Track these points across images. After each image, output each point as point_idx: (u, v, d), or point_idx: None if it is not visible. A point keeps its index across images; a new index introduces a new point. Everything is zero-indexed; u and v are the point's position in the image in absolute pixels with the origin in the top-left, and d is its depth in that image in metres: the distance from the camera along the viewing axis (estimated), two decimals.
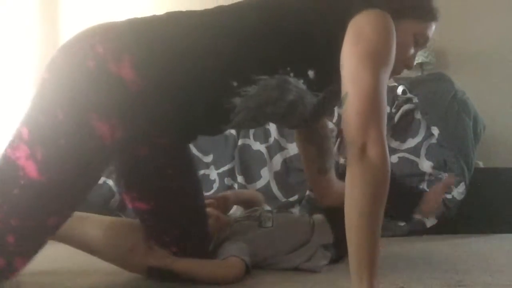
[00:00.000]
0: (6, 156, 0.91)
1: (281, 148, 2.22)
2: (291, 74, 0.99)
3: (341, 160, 2.12)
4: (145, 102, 0.94)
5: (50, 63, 0.96)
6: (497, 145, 2.90)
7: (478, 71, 3.11)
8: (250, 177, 2.21)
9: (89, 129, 0.90)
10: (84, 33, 0.98)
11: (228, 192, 1.61)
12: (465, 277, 1.11)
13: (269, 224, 1.32)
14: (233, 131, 2.24)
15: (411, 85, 2.29)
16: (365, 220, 0.81)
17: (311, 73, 1.00)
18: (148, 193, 1.14)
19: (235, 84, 0.97)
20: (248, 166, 2.22)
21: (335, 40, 0.95)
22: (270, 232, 1.30)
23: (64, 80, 0.92)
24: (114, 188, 2.16)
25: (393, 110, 2.20)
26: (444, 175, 2.11)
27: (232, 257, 1.14)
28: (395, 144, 2.18)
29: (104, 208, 2.04)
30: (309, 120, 1.15)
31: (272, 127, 2.26)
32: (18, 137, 0.91)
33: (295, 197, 2.13)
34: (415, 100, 2.21)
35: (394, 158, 2.17)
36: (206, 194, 2.15)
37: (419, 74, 3.02)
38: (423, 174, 2.14)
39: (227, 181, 2.22)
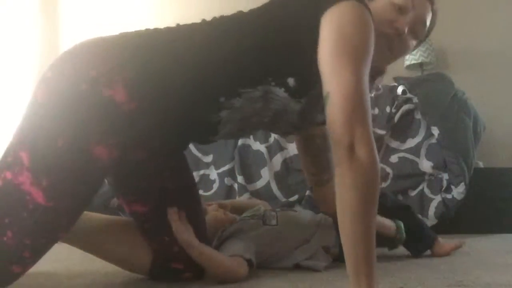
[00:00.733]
0: (7, 180, 0.92)
1: (281, 148, 2.22)
2: (272, 84, 0.99)
3: None
4: (138, 121, 0.96)
5: (43, 80, 0.97)
6: (497, 145, 2.90)
7: (478, 71, 3.11)
8: (250, 177, 2.20)
9: (89, 153, 0.92)
10: (76, 51, 0.98)
11: (226, 201, 1.59)
12: (465, 277, 1.11)
13: (274, 222, 1.33)
14: None
15: (411, 85, 2.29)
16: (358, 222, 0.80)
17: (291, 81, 0.99)
18: (144, 195, 1.14)
19: (222, 100, 0.99)
20: (248, 166, 2.22)
21: (311, 43, 0.94)
22: (274, 230, 1.31)
23: (59, 103, 0.93)
24: None
25: (393, 110, 2.20)
26: (444, 175, 2.12)
27: (239, 257, 1.15)
28: (395, 144, 2.18)
29: (104, 208, 2.04)
30: (299, 127, 1.16)
31: None
32: (18, 162, 0.92)
33: (295, 197, 2.13)
34: (415, 100, 2.20)
35: (394, 158, 2.17)
36: (206, 194, 2.17)
37: (419, 74, 3.02)
38: (423, 174, 2.15)
39: (227, 181, 2.22)
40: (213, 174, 2.25)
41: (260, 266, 1.24)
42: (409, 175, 2.15)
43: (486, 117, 2.37)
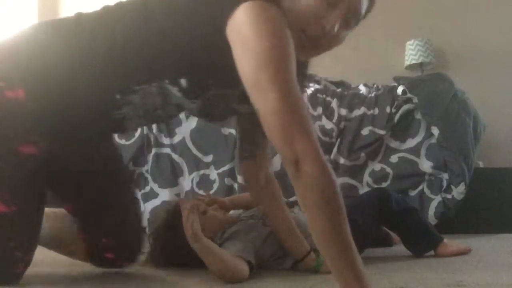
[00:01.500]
0: None
1: None
2: (166, 82, 0.98)
3: (341, 161, 2.12)
4: (45, 118, 1.00)
5: None
6: (497, 145, 2.90)
7: (478, 71, 3.11)
8: None
9: (18, 153, 0.98)
10: None
11: (225, 198, 1.58)
12: (465, 277, 1.11)
13: None
14: (232, 131, 2.23)
15: (411, 85, 2.28)
16: (328, 237, 0.77)
17: (183, 82, 0.97)
18: (73, 192, 1.16)
19: (118, 96, 1.00)
20: None
21: (207, 47, 0.92)
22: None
23: None
24: None
25: (393, 110, 2.20)
26: (444, 175, 2.12)
27: (240, 258, 1.15)
28: (395, 144, 2.18)
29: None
30: (213, 120, 1.15)
31: None
32: None
33: (295, 197, 2.12)
34: (415, 100, 2.20)
35: (394, 158, 2.17)
36: (205, 194, 2.17)
37: (419, 74, 3.02)
38: (423, 174, 2.15)
39: (227, 181, 2.21)
40: (213, 174, 2.24)
41: (260, 266, 1.24)
42: (409, 175, 2.15)
43: (486, 117, 2.37)
